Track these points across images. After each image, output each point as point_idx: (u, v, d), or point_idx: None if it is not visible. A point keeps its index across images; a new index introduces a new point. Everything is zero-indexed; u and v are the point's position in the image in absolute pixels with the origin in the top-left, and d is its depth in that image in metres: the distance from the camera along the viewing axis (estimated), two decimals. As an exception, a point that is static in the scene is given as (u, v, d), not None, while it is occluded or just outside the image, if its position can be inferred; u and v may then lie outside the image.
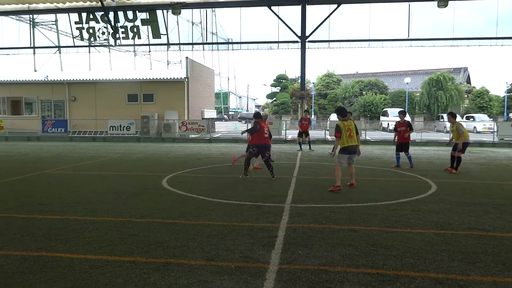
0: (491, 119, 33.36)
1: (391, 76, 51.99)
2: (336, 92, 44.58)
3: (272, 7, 20.83)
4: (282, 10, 21.29)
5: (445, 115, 34.25)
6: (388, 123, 31.61)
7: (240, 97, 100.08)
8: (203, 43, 25.63)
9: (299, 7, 20.53)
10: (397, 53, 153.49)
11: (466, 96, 41.80)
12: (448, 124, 26.39)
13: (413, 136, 22.46)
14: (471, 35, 20.64)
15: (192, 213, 5.91)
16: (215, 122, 33.33)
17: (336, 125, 7.88)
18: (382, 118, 34.71)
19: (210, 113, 31.14)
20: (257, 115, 9.59)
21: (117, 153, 15.37)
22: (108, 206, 6.34)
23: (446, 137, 22.68)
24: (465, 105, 41.80)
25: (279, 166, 11.66)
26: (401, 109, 15.47)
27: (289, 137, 23.34)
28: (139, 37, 23.22)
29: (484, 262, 4.03)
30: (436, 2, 19.09)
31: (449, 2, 19.10)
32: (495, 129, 23.13)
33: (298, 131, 16.97)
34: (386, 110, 34.88)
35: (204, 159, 13.39)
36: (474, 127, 31.73)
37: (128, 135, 23.18)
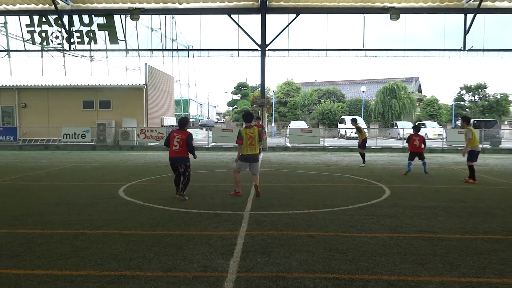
0: (441, 126, 35.19)
1: (348, 85, 53.72)
2: (296, 100, 45.41)
3: (232, 16, 20.94)
4: (242, 18, 21.52)
5: (399, 123, 35.84)
6: (345, 130, 32.53)
7: (201, 104, 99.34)
8: (162, 50, 25.21)
9: (259, 16, 20.79)
10: (353, 62, 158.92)
11: (417, 104, 43.91)
12: (401, 131, 27.56)
13: (369, 143, 23.28)
14: (421, 46, 21.76)
15: (149, 223, 5.77)
16: (175, 130, 32.82)
17: (239, 131, 7.83)
18: (339, 125, 35.70)
19: (170, 121, 30.67)
20: (182, 122, 7.70)
21: (71, 162, 14.75)
22: (59, 218, 6.06)
23: (399, 144, 23.68)
24: (417, 113, 43.87)
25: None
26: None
27: (250, 144, 23.43)
28: (96, 42, 22.50)
29: (433, 263, 4.23)
30: (389, 15, 19.99)
31: (401, 15, 20.06)
32: (444, 136, 24.46)
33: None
34: (343, 118, 35.92)
35: (163, 167, 13.13)
36: (425, 134, 33.32)
37: (83, 143, 22.33)
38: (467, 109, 43.24)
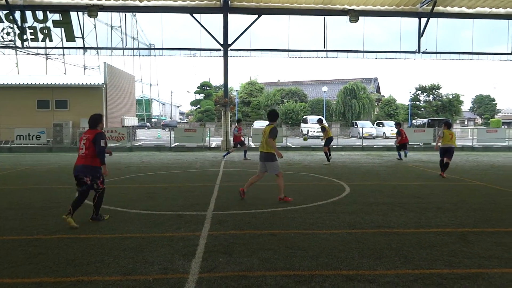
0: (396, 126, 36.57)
1: (310, 85, 54.69)
2: (259, 100, 45.66)
3: (195, 15, 20.74)
4: (205, 18, 21.33)
5: (359, 122, 36.90)
6: (308, 130, 33.09)
7: (164, 104, 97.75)
8: (123, 48, 24.55)
9: (221, 16, 20.72)
10: (315, 63, 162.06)
11: (376, 104, 45.43)
12: (360, 130, 28.40)
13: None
14: (379, 48, 22.53)
15: (108, 226, 5.61)
16: (137, 130, 32.14)
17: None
18: (302, 125, 36.29)
19: (131, 121, 29.96)
20: (93, 119, 5.92)
21: (24, 164, 14.07)
22: (12, 224, 5.77)
23: (359, 143, 24.40)
24: (376, 113, 45.36)
25: (202, 173, 11.61)
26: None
27: (213, 144, 23.34)
28: (51, 40, 21.56)
29: (389, 257, 4.40)
30: (348, 17, 20.53)
31: (360, 17, 20.66)
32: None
33: (234, 141, 16.23)
34: (306, 117, 36.55)
35: (124, 168, 12.81)
36: (384, 132, 34.53)
37: (38, 144, 21.33)
38: (422, 109, 45.23)
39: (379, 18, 21.91)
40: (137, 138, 29.50)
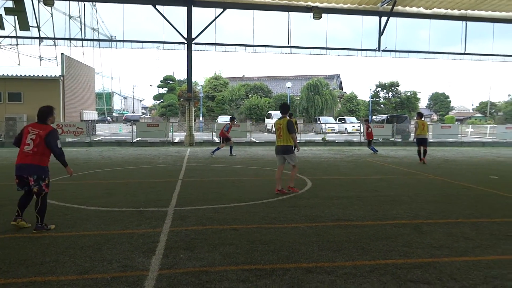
0: (359, 121, 37.59)
1: (275, 81, 55.06)
2: (224, 94, 45.47)
3: (158, 6, 20.25)
4: (169, 10, 20.89)
5: (322, 118, 37.56)
6: (272, 125, 33.32)
7: (126, 97, 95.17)
8: (81, 39, 23.63)
9: (185, 8, 20.37)
10: (279, 58, 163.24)
11: (338, 100, 46.44)
12: (324, 126, 28.95)
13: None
14: (342, 45, 23.10)
15: (64, 224, 5.41)
16: (97, 125, 31.12)
17: (275, 123, 7.93)
18: (266, 120, 36.50)
19: (90, 115, 28.98)
20: (42, 112, 5.25)
21: (-27, 160, 13.28)
22: (-43, 223, 5.44)
23: (320, 137, 24.87)
24: (338, 109, 46.39)
25: (165, 169, 11.43)
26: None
27: (177, 139, 23.03)
28: (3, 28, 20.37)
29: (347, 249, 4.53)
30: (312, 14, 20.79)
31: (323, 14, 20.98)
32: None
33: (221, 137, 15.84)
34: (270, 113, 36.78)
35: (82, 164, 12.38)
36: (345, 128, 35.39)
37: (-12, 139, 20.17)
38: (382, 105, 46.72)
39: (342, 15, 22.31)
40: (97, 133, 28.57)
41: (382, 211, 6.37)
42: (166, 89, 51.94)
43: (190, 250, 4.39)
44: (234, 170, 11.26)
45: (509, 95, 74.63)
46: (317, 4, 20.94)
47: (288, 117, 7.82)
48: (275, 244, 4.65)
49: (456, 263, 4.14)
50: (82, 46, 42.96)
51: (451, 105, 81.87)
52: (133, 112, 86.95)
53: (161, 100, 50.99)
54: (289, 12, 21.54)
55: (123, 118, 62.32)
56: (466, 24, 22.79)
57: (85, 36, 23.55)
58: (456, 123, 50.76)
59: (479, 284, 3.62)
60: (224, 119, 35.53)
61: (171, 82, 52.23)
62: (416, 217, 5.98)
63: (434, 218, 5.98)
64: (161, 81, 52.62)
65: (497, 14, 22.39)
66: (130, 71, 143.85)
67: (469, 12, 22.23)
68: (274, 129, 7.68)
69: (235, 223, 5.55)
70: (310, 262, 4.10)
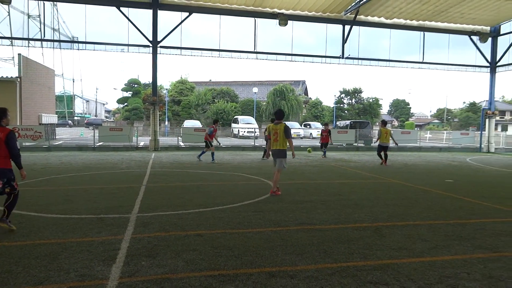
0: (323, 126, 38.35)
1: (241, 86, 55.21)
2: (190, 99, 45.07)
3: (122, 9, 19.85)
4: (134, 12, 20.51)
5: (288, 123, 37.98)
6: (238, 130, 33.34)
7: (88, 101, 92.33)
8: (41, 40, 22.69)
9: (151, 11, 20.07)
10: (246, 64, 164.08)
11: (304, 106, 47.18)
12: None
13: (259, 142, 24.24)
14: (307, 52, 23.49)
15: (19, 233, 5.16)
16: (57, 128, 29.96)
17: (267, 127, 8.32)
18: (233, 125, 36.48)
19: (50, 118, 27.88)
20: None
21: None
22: None
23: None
24: (303, 114, 47.11)
25: (128, 174, 11.16)
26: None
27: (141, 143, 22.56)
28: (-47, 26, 19.28)
29: (310, 252, 4.59)
30: (278, 20, 21.06)
31: (289, 21, 21.30)
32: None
33: (206, 141, 15.25)
34: (236, 118, 36.78)
35: (40, 169, 11.87)
36: (311, 133, 35.97)
37: None
38: (346, 111, 47.89)
39: (307, 23, 22.74)
40: (56, 137, 27.49)
41: (344, 214, 6.52)
42: (130, 92, 50.78)
43: (152, 257, 4.30)
44: (200, 175, 11.17)
45: (464, 102, 78.66)
46: (283, 11, 21.25)
47: (282, 123, 8.10)
48: (239, 249, 4.64)
49: (413, 264, 4.29)
50: (42, 46, 41.32)
51: (411, 112, 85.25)
52: (96, 115, 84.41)
53: (126, 103, 49.77)
54: (256, 18, 21.71)
55: (85, 121, 60.39)
56: (424, 34, 23.85)
57: (44, 36, 22.60)
58: (416, 129, 52.84)
59: (434, 283, 3.78)
60: (190, 123, 35.20)
61: (136, 85, 51.14)
62: (376, 220, 6.16)
63: (393, 220, 6.18)
64: (125, 85, 51.39)
65: (452, 25, 23.60)
66: (93, 73, 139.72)
67: (427, 23, 23.30)
68: (267, 134, 8.15)
69: (199, 228, 5.50)
70: (274, 266, 4.13)
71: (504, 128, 68.44)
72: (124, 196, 7.81)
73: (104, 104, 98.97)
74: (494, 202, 7.82)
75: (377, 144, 15.37)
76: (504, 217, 6.61)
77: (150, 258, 4.27)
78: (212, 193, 8.29)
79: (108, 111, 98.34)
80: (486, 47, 24.82)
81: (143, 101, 44.55)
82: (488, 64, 25.07)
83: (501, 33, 24.42)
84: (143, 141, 24.60)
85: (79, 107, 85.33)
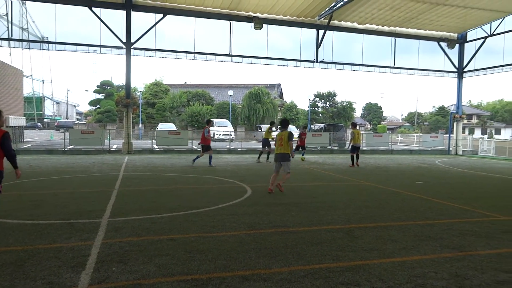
0: (298, 129, 38.68)
1: (217, 88, 55.03)
2: (164, 101, 44.55)
3: (94, 9, 19.42)
4: (107, 13, 20.07)
5: (263, 126, 38.10)
6: (213, 133, 33.19)
7: (58, 102, 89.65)
8: (8, 39, 21.88)
9: (124, 12, 19.74)
10: (222, 67, 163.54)
11: (279, 109, 47.47)
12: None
13: (235, 145, 24.22)
14: (282, 56, 23.57)
15: (-18, 240, 4.95)
16: (25, 131, 28.95)
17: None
18: (208, 128, 36.27)
19: (18, 120, 26.90)
20: None
21: None
22: None
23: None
24: (278, 117, 47.39)
25: (100, 178, 10.91)
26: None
27: (114, 147, 22.11)
28: None
29: (284, 255, 4.62)
30: (253, 24, 21.14)
31: (264, 25, 21.41)
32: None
33: (201, 144, 14.96)
34: (212, 121, 36.60)
35: (7, 173, 11.41)
36: (286, 136, 36.14)
37: None
38: (320, 115, 48.51)
39: (282, 27, 22.92)
40: (24, 140, 26.59)
41: (318, 216, 6.59)
42: (103, 94, 49.71)
43: (124, 263, 4.22)
44: (174, 179, 11.04)
45: (433, 106, 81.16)
46: (258, 14, 21.34)
47: (286, 130, 8.93)
48: (212, 253, 4.62)
49: (384, 264, 4.39)
50: (9, 46, 39.88)
51: (383, 115, 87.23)
52: (67, 118, 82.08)
53: (98, 106, 48.69)
54: (231, 21, 21.72)
55: (55, 124, 58.65)
56: (395, 40, 24.48)
57: (12, 35, 21.82)
58: (388, 132, 54.10)
59: (404, 283, 3.87)
60: (165, 126, 34.77)
61: (108, 87, 50.11)
62: (349, 222, 6.26)
63: (365, 222, 6.30)
64: (98, 86, 50.28)
65: (421, 32, 24.34)
66: (64, 75, 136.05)
67: (398, 29, 23.94)
68: (275, 140, 9.07)
69: (173, 233, 5.44)
70: (247, 269, 4.13)
71: (471, 132, 71.10)
72: (95, 200, 7.63)
73: (75, 106, 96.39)
74: (461, 203, 8.09)
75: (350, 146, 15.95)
76: (470, 217, 6.86)
77: (122, 264, 4.19)
78: (186, 197, 8.22)
79: (79, 113, 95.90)
80: (454, 53, 25.73)
81: (116, 103, 43.69)
82: (455, 70, 25.99)
83: (468, 39, 25.38)
84: (116, 144, 24.12)
85: (49, 109, 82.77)
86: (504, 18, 22.37)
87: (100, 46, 20.32)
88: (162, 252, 4.59)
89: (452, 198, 8.73)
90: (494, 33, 23.33)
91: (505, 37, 23.03)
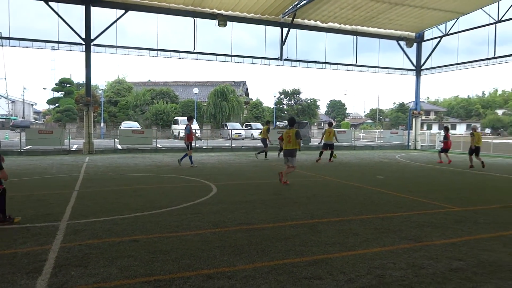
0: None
1: (181, 86, 54.30)
2: (127, 99, 43.48)
3: (51, 3, 18.62)
4: (64, 8, 19.28)
5: (229, 124, 38.05)
6: (179, 131, 32.77)
7: (14, 101, 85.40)
8: (-46, 34, 20.57)
9: (83, 7, 19.04)
10: (187, 64, 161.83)
11: (245, 107, 47.50)
12: (230, 131, 29.41)
13: (201, 143, 24.02)
14: (247, 53, 23.57)
15: None
16: (-24, 132, 27.39)
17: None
18: (173, 126, 35.79)
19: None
20: None
21: None
22: None
23: (229, 144, 25.20)
24: (244, 115, 47.43)
25: (59, 180, 10.51)
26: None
27: (74, 147, 21.36)
28: None
29: (248, 252, 4.64)
30: (217, 21, 21.02)
31: (228, 22, 21.34)
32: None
33: (187, 142, 14.06)
34: (177, 119, 36.09)
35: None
36: (252, 134, 36.33)
37: None
38: (285, 112, 48.98)
39: (247, 24, 22.92)
40: (-24, 141, 25.12)
41: (282, 213, 6.67)
42: (62, 92, 47.75)
43: (83, 266, 4.09)
44: (137, 179, 10.82)
45: (394, 103, 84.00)
46: (222, 11, 21.25)
47: (294, 129, 9.92)
48: (176, 252, 4.57)
49: (345, 257, 4.50)
50: (-43, 42, 37.54)
51: (347, 112, 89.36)
52: (23, 117, 78.35)
53: (57, 104, 46.75)
54: (195, 18, 21.49)
55: (11, 124, 55.83)
56: (356, 38, 25.11)
57: (-40, 30, 20.55)
58: (351, 128, 55.48)
59: (364, 275, 3.99)
60: (128, 125, 33.95)
61: (68, 85, 48.22)
62: (312, 217, 6.38)
63: (328, 217, 6.44)
64: (56, 84, 48.24)
65: (382, 31, 25.10)
66: (20, 72, 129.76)
67: (359, 28, 24.56)
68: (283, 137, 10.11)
69: (135, 234, 5.33)
70: (211, 268, 4.11)
71: (429, 127, 74.20)
72: (53, 203, 7.34)
73: (32, 105, 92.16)
74: (418, 196, 8.44)
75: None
76: (427, 209, 7.16)
77: (81, 268, 4.06)
78: (149, 197, 8.07)
79: (37, 113, 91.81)
80: (412, 51, 26.73)
81: (76, 102, 42.08)
82: (414, 68, 27.00)
83: (425, 39, 26.44)
84: (77, 144, 23.31)
85: (3, 108, 78.75)
86: (458, 18, 23.48)
87: (58, 42, 19.54)
88: (124, 254, 4.49)
89: (410, 191, 9.09)
90: (449, 32, 24.44)
91: (459, 37, 24.20)
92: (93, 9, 19.40)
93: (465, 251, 4.76)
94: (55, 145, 19.83)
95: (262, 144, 18.62)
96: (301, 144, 10.41)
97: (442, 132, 17.86)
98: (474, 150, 14.76)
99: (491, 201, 8.12)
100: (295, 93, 49.17)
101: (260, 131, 35.44)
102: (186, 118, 16.67)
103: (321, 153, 16.86)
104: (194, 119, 16.08)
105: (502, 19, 21.30)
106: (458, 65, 24.81)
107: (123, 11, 19.81)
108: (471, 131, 15.36)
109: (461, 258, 4.54)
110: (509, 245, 5.04)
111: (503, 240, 5.26)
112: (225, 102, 42.09)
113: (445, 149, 16.67)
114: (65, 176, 11.24)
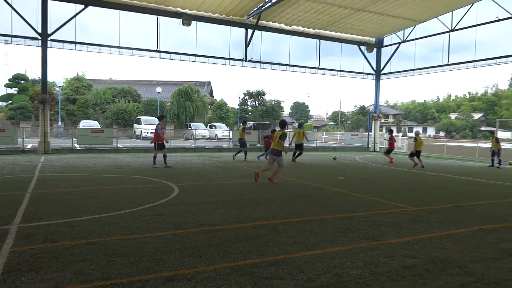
0: (228, 127, 38.79)
1: (144, 85, 53.20)
2: (87, 97, 42.01)
3: (3, -5, 17.67)
4: (19, 0, 18.35)
5: (193, 124, 37.64)
6: (141, 131, 32.06)
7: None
8: None
9: (39, 1, 18.21)
10: (150, 63, 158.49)
11: (209, 107, 47.20)
12: (194, 132, 29.10)
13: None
14: (211, 53, 23.41)
15: None
16: None
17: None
18: (135, 125, 34.96)
19: None
20: None
21: None
22: None
23: (192, 144, 24.93)
24: (209, 115, 47.13)
25: (10, 181, 9.98)
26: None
27: (29, 146, 20.37)
28: None
29: (209, 253, 4.61)
30: (181, 20, 20.75)
31: (192, 22, 21.12)
32: (231, 136, 27.12)
33: (154, 142, 13.90)
34: (139, 118, 35.31)
35: None
36: (216, 134, 36.16)
37: None
38: (250, 113, 49.13)
39: (212, 24, 22.78)
40: None
41: (244, 214, 6.68)
42: (16, 89, 45.39)
43: (35, 272, 3.91)
44: (96, 179, 10.47)
45: (355, 106, 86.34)
46: (187, 10, 21.01)
47: (282, 130, 10.69)
48: (135, 255, 4.46)
49: (305, 257, 4.58)
50: None
51: (310, 114, 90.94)
52: (-28, 114, 73.73)
53: (10, 101, 44.37)
54: (158, 16, 21.10)
55: (-43, 121, 52.38)
56: (319, 42, 25.60)
57: None
58: (314, 130, 56.49)
59: (323, 274, 4.07)
60: (86, 124, 32.80)
61: (22, 81, 45.88)
62: (274, 218, 6.44)
63: (289, 217, 6.52)
64: (10, 80, 45.77)
65: (344, 35, 25.76)
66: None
67: (322, 32, 25.06)
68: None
69: (92, 236, 5.16)
70: (171, 270, 4.05)
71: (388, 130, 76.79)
72: (3, 205, 6.96)
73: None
74: (376, 196, 8.73)
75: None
76: (384, 209, 7.42)
77: (33, 273, 3.88)
78: (108, 198, 7.84)
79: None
80: (372, 56, 27.61)
81: (31, 99, 40.13)
82: (374, 72, 27.91)
83: (384, 44, 27.40)
84: (32, 143, 22.24)
85: (-51, 104, 73.69)
86: (415, 26, 24.51)
87: (12, 36, 18.56)
88: (80, 258, 4.33)
89: (368, 191, 9.38)
90: (407, 39, 25.45)
91: (416, 44, 25.28)
92: (51, 3, 18.62)
93: (418, 249, 4.98)
94: (8, 144, 18.83)
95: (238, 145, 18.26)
96: (284, 146, 10.73)
97: (387, 134, 19.02)
98: (415, 154, 16.09)
99: (444, 201, 8.54)
100: (259, 94, 49.40)
101: (224, 132, 35.39)
102: (148, 118, 16.33)
103: (295, 154, 17.45)
104: (164, 119, 15.56)
105: (455, 28, 22.46)
106: (415, 71, 25.89)
107: (82, 6, 19.13)
108: (414, 136, 16.41)
109: (415, 255, 4.73)
110: (459, 243, 5.32)
111: (454, 238, 5.55)
112: (189, 102, 41.62)
113: (390, 150, 18.08)
114: (18, 177, 10.70)
